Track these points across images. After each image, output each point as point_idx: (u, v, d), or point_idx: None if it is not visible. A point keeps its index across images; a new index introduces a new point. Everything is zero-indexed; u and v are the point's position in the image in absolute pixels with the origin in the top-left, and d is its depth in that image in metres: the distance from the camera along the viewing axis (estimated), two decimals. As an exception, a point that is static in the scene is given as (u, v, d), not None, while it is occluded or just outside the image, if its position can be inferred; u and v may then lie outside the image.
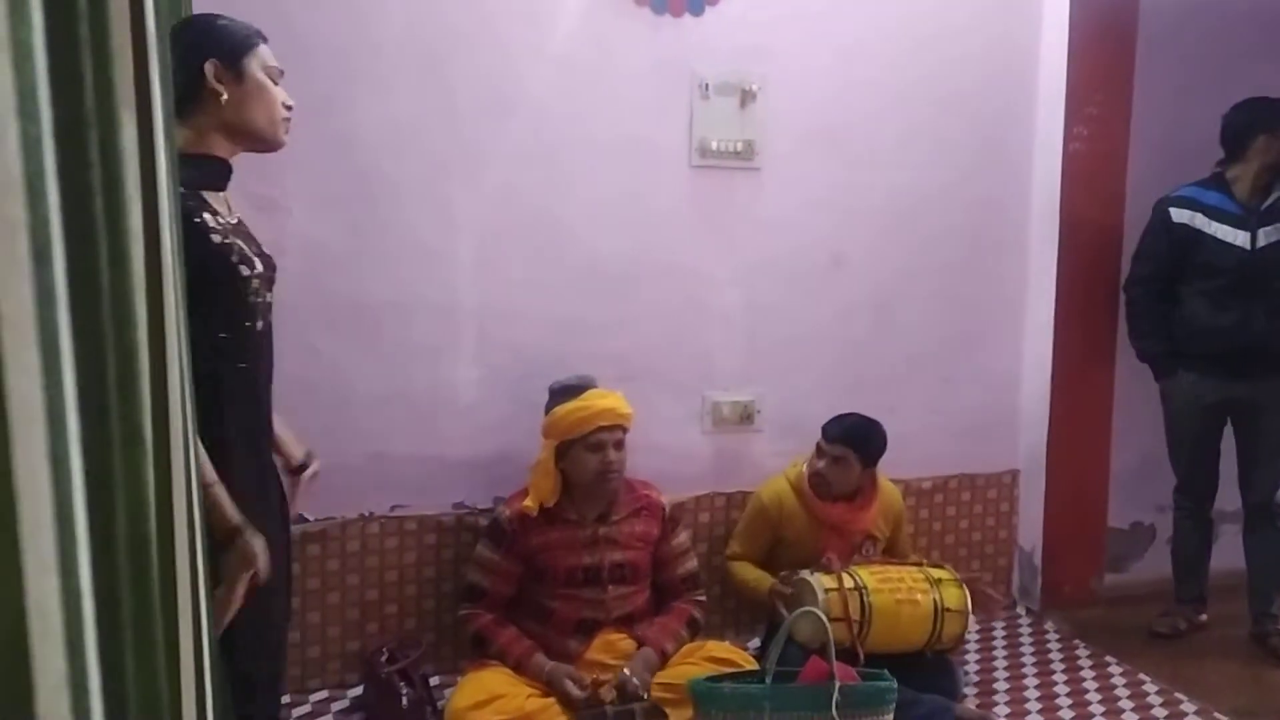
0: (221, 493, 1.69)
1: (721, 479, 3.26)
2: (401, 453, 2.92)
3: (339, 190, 2.80)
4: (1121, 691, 3.04)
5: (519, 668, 2.60)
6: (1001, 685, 3.07)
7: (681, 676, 2.56)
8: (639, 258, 3.08)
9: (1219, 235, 3.21)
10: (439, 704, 2.67)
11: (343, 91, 2.77)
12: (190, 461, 1.34)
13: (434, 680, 2.90)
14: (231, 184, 2.75)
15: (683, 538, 2.90)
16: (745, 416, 3.26)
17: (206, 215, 1.80)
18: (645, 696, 2.55)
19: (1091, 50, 3.40)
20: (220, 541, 1.68)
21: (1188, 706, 2.94)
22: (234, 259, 1.83)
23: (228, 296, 1.83)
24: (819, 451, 2.93)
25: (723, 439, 3.26)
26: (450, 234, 2.89)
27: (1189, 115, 3.34)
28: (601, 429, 2.66)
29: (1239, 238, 3.19)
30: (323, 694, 2.89)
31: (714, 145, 3.10)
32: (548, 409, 2.74)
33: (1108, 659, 3.24)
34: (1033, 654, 3.30)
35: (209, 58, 1.82)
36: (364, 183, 2.81)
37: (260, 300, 1.91)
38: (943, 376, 3.48)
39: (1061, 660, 3.25)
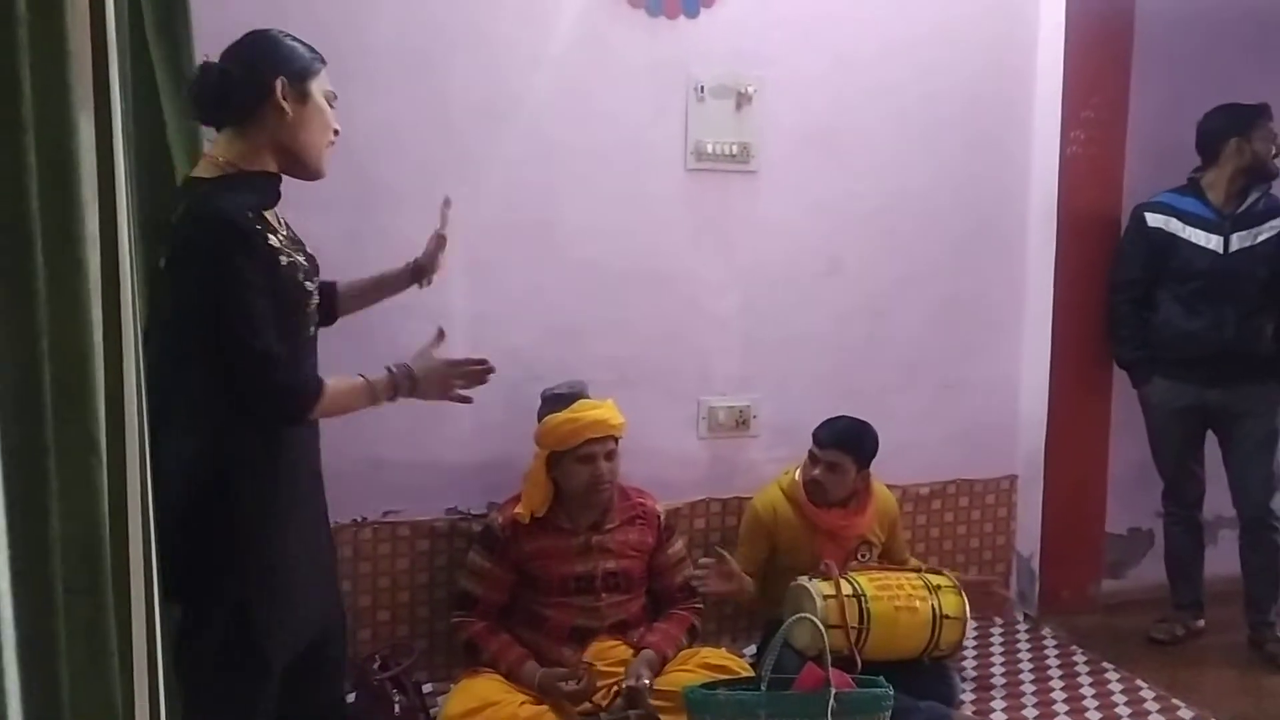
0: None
1: (717, 485, 3.24)
2: (395, 458, 2.89)
3: (332, 194, 2.76)
4: (1119, 698, 3.02)
5: (511, 675, 2.58)
6: (999, 692, 3.05)
7: (676, 684, 2.55)
8: (634, 261, 3.07)
9: (1193, 240, 3.23)
10: (432, 712, 2.65)
11: (338, 94, 2.75)
12: (146, 469, 1.32)
13: (427, 688, 2.87)
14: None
15: (679, 546, 2.88)
16: (741, 422, 3.24)
17: (271, 237, 1.83)
18: (648, 695, 2.53)
19: (1088, 55, 3.39)
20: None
21: (1185, 713, 2.93)
22: (300, 277, 1.88)
23: (294, 312, 1.88)
24: (812, 459, 2.91)
25: (718, 444, 3.24)
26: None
27: (1185, 120, 3.33)
28: (591, 441, 2.64)
29: (1212, 242, 3.20)
30: (315, 701, 2.86)
31: (710, 148, 3.09)
32: (540, 416, 2.72)
33: (1105, 665, 3.23)
34: (1030, 660, 3.28)
35: (280, 74, 1.84)
36: (357, 186, 2.79)
37: (313, 307, 1.96)
38: (940, 382, 3.46)
39: (1059, 667, 3.23)
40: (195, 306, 1.77)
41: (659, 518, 2.82)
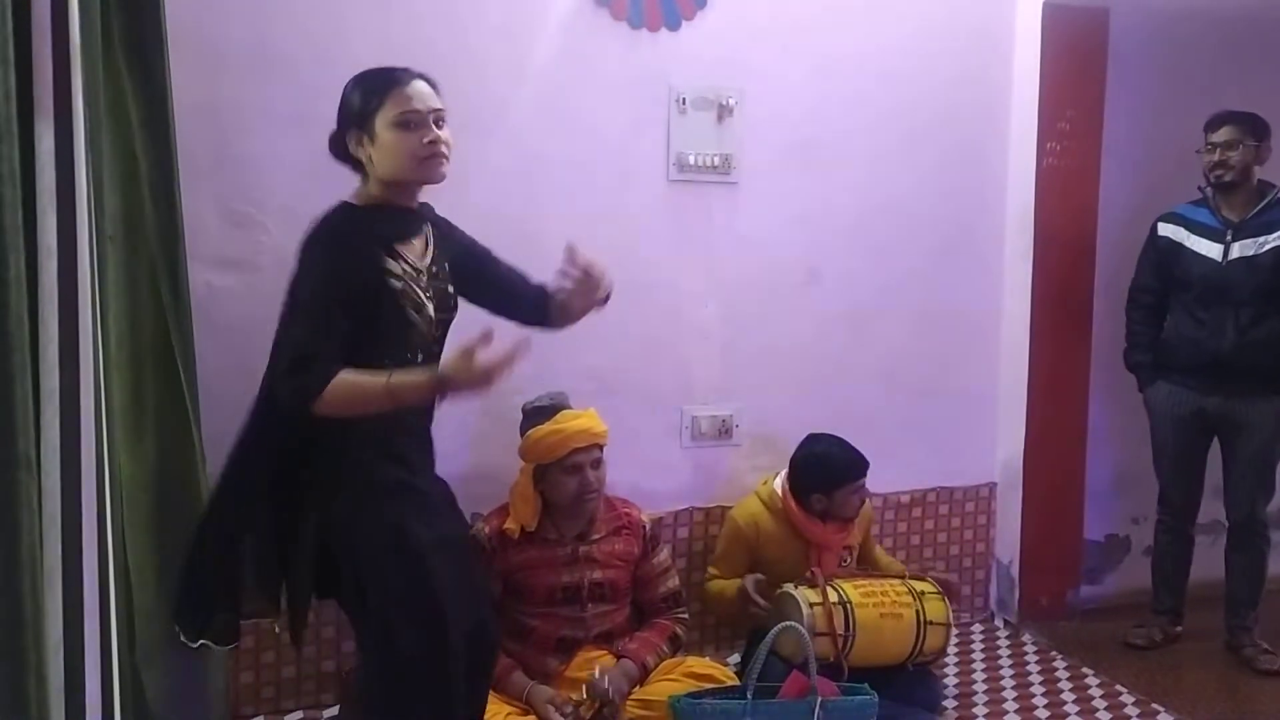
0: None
1: (700, 493, 3.25)
2: (378, 469, 2.88)
3: (316, 206, 2.75)
4: (1099, 703, 3.05)
5: (498, 686, 2.57)
6: (980, 698, 3.08)
7: (661, 693, 2.55)
8: (617, 272, 3.03)
9: (1195, 249, 3.26)
10: (417, 724, 2.64)
11: (320, 108, 2.73)
12: (105, 488, 1.30)
13: (411, 699, 2.86)
14: (208, 196, 2.73)
15: (663, 556, 2.89)
16: (723, 431, 3.25)
17: (391, 262, 1.99)
18: (615, 701, 2.53)
19: (1063, 68, 3.44)
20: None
21: (1165, 718, 2.96)
22: (407, 306, 2.00)
23: (396, 333, 2.01)
24: (850, 493, 2.89)
25: (701, 453, 3.25)
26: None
27: (1158, 131, 3.39)
28: (576, 451, 2.64)
29: (1213, 250, 3.24)
30: (298, 715, 2.84)
31: (691, 160, 3.10)
32: (522, 430, 2.72)
33: (1085, 670, 3.26)
34: (1011, 666, 3.31)
35: (349, 129, 2.02)
36: (341, 199, 2.78)
37: (424, 338, 2.06)
38: (920, 390, 3.49)
39: (1039, 672, 3.26)
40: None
41: (644, 527, 2.83)
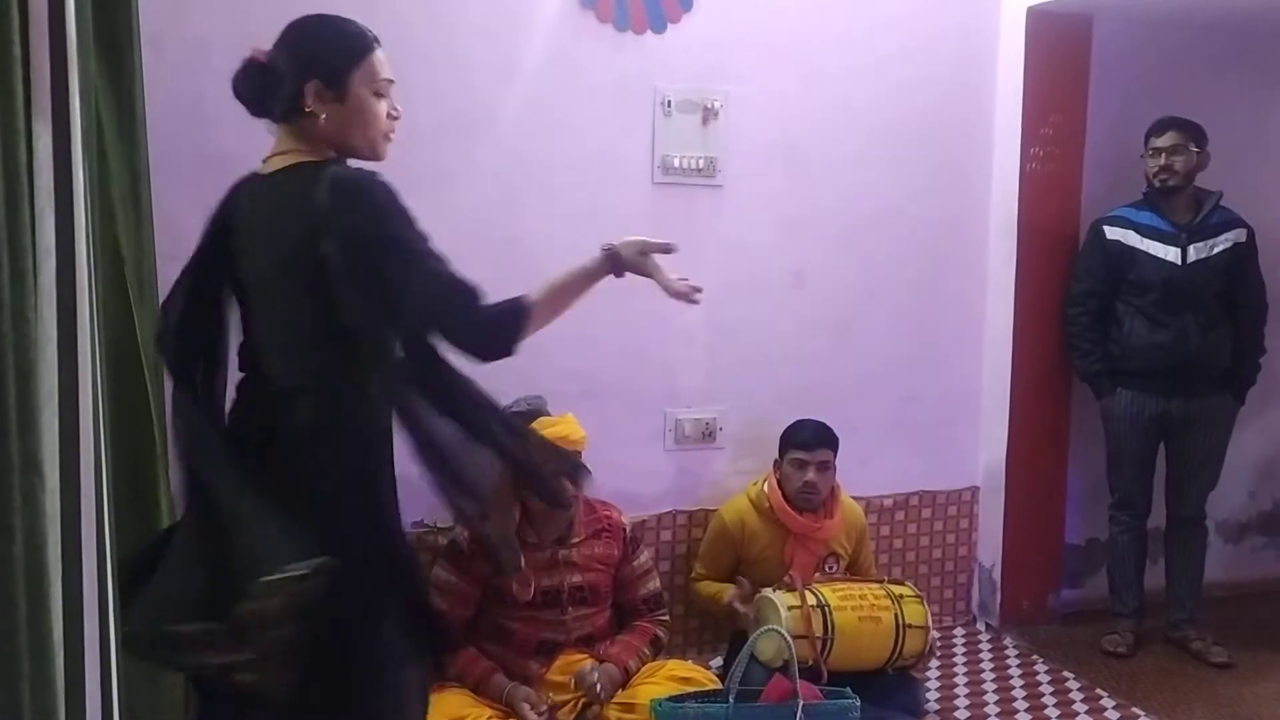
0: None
1: (683, 496, 3.25)
2: (360, 471, 2.87)
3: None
4: (1080, 707, 3.06)
5: (478, 689, 2.57)
6: (962, 702, 3.08)
7: (643, 696, 2.55)
8: (601, 274, 3.06)
9: (1151, 252, 3.29)
10: (397, 727, 2.62)
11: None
12: (104, 490, 1.28)
13: (392, 702, 2.85)
14: (188, 196, 2.69)
15: (644, 558, 2.88)
16: (707, 434, 3.25)
17: None
18: (600, 697, 2.53)
19: (1047, 74, 3.45)
20: None
21: (1145, 721, 2.98)
22: None
23: None
24: (799, 465, 2.90)
25: (684, 456, 3.25)
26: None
27: (1140, 136, 3.40)
28: None
29: (1170, 254, 3.27)
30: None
31: (676, 162, 3.10)
32: (500, 437, 2.71)
33: (1065, 674, 3.27)
34: (992, 670, 3.32)
35: (312, 77, 1.72)
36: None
37: None
38: (903, 394, 3.50)
39: (1020, 676, 3.27)
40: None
41: (624, 530, 2.82)
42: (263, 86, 1.75)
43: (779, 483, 2.95)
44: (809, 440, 2.92)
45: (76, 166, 1.18)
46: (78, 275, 1.18)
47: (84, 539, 1.22)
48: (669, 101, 3.08)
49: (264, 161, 1.79)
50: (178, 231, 2.57)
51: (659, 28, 3.05)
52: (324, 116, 1.72)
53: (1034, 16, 3.41)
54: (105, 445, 1.35)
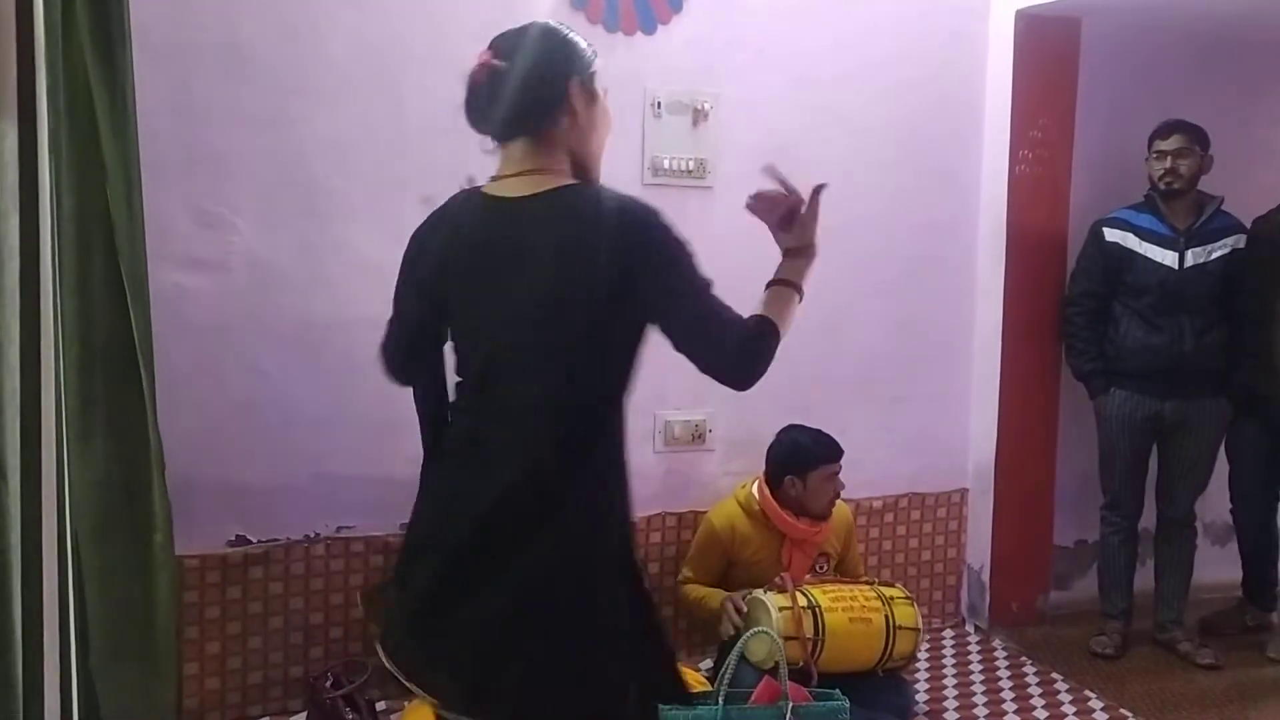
0: None
1: (673, 499, 3.25)
2: (348, 473, 2.86)
3: (287, 207, 2.76)
4: (1068, 708, 3.07)
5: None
6: (951, 703, 3.09)
7: (633, 698, 2.53)
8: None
9: (1149, 255, 3.30)
10: (386, 730, 2.62)
11: (293, 106, 2.73)
12: (65, 495, 1.27)
13: (380, 705, 2.84)
14: (179, 196, 2.68)
15: (635, 558, 2.87)
16: (697, 436, 3.25)
17: None
18: None
19: (1036, 76, 3.47)
20: None
21: (1133, 723, 2.99)
22: None
23: None
24: (830, 477, 2.90)
25: (674, 458, 3.25)
26: (400, 252, 2.85)
27: (1129, 139, 3.42)
28: None
29: (1167, 257, 3.28)
30: (265, 721, 2.82)
31: (666, 164, 3.10)
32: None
33: (1054, 676, 3.28)
34: (981, 672, 3.32)
35: (574, 74, 1.67)
36: (313, 199, 2.77)
37: None
38: (893, 396, 3.50)
39: (1009, 678, 3.28)
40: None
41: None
42: (514, 95, 1.67)
43: (795, 498, 2.91)
44: (829, 454, 2.92)
45: (43, 166, 1.16)
46: (41, 277, 1.16)
47: (45, 542, 1.21)
48: (659, 103, 3.08)
49: (493, 180, 1.75)
50: (166, 232, 2.58)
51: (649, 29, 3.05)
52: (581, 118, 1.68)
53: (1022, 19, 3.42)
54: (65, 447, 1.34)
